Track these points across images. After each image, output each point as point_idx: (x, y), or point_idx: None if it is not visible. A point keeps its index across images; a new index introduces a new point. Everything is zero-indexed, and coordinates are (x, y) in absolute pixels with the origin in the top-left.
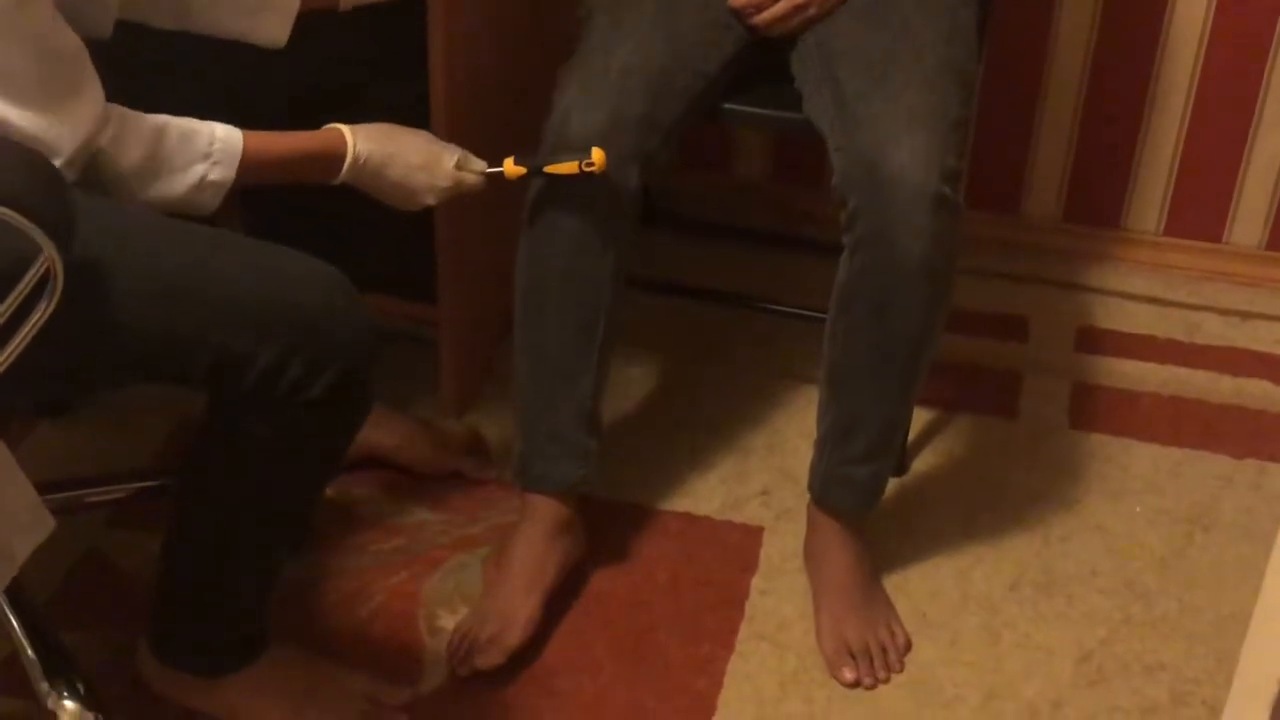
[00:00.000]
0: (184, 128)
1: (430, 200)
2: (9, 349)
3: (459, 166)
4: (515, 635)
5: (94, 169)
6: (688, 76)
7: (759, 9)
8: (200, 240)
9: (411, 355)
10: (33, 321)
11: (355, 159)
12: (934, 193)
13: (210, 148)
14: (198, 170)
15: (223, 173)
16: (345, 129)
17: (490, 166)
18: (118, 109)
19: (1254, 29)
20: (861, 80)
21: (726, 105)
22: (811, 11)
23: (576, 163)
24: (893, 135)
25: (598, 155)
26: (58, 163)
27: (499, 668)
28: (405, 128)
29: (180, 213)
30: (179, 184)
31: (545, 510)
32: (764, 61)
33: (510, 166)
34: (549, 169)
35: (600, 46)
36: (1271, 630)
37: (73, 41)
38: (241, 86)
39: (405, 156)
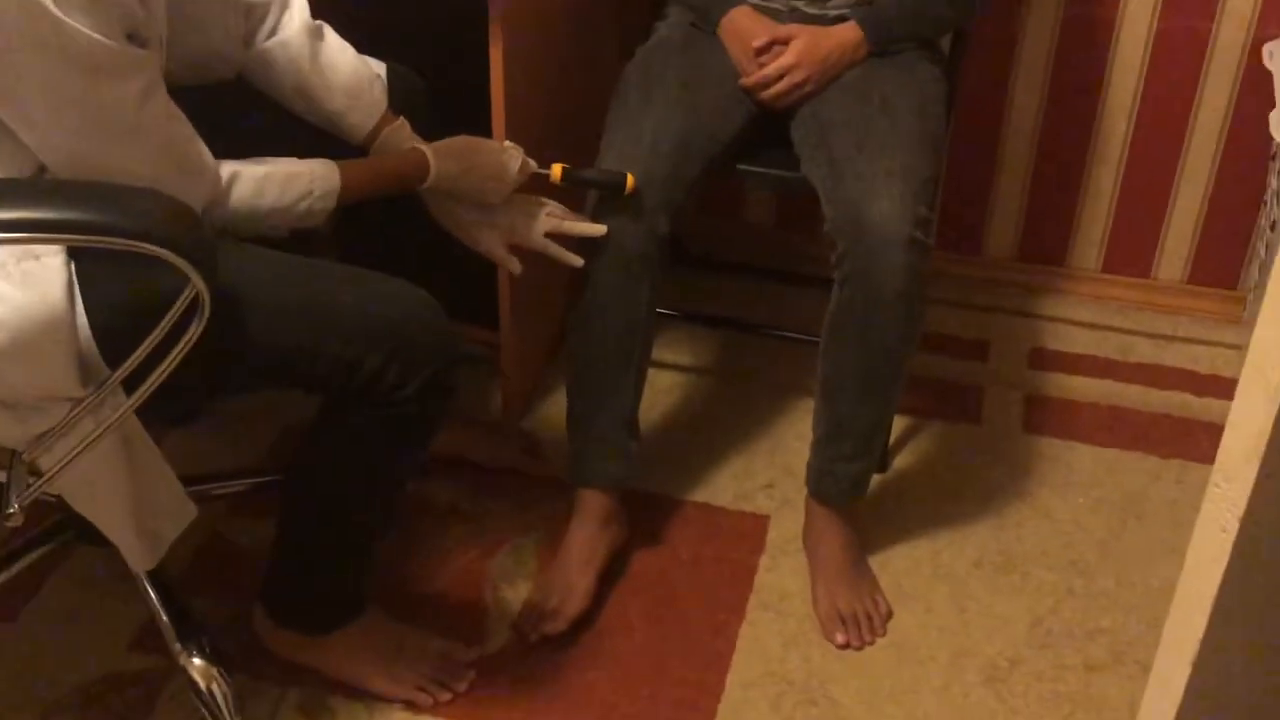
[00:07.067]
0: (287, 171)
1: (495, 200)
2: (165, 364)
3: (520, 171)
4: (575, 606)
5: (213, 215)
6: (706, 142)
7: (765, 87)
8: (315, 270)
9: (477, 372)
10: (185, 340)
11: (437, 175)
12: (908, 237)
13: (311, 185)
14: (302, 206)
15: (324, 203)
16: (427, 149)
17: (539, 166)
18: (228, 168)
19: (1175, 105)
20: (849, 145)
21: (738, 166)
22: (808, 88)
23: (612, 183)
24: (874, 190)
25: (630, 179)
26: None
27: (562, 634)
28: (478, 140)
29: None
30: (289, 217)
31: (595, 503)
32: (768, 129)
33: (556, 173)
34: (588, 177)
35: (634, 117)
36: (1192, 600)
37: (185, 128)
38: None
39: (480, 169)
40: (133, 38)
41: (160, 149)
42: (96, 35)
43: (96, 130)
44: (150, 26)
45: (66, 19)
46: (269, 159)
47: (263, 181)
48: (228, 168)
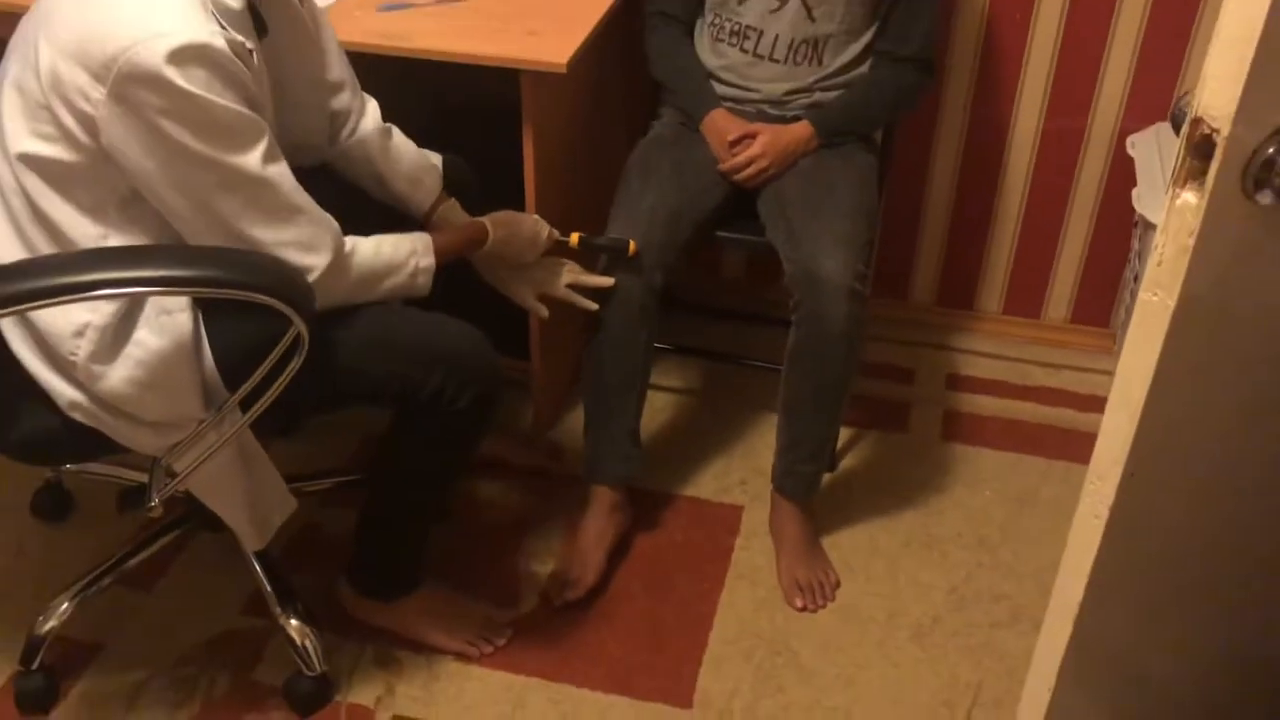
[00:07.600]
0: (394, 236)
1: (529, 260)
2: (273, 389)
3: (547, 238)
4: (590, 577)
5: (336, 283)
6: (693, 215)
7: (737, 172)
8: (389, 314)
9: (512, 394)
10: (289, 370)
11: (494, 240)
12: (850, 288)
13: (414, 244)
14: (411, 263)
15: (428, 260)
16: (485, 220)
17: (561, 234)
18: (347, 239)
19: (1059, 183)
20: (803, 218)
21: (718, 233)
22: (771, 172)
23: (618, 247)
24: (823, 252)
25: (632, 245)
26: (312, 277)
27: (580, 600)
28: (517, 213)
29: (406, 298)
30: (402, 274)
31: (605, 496)
32: (740, 205)
33: (574, 240)
34: (600, 242)
35: (636, 194)
36: (1073, 573)
37: (304, 198)
38: None
39: (521, 236)
40: (250, 106)
41: (286, 199)
42: (221, 101)
43: (229, 190)
44: (260, 101)
45: (194, 90)
46: (372, 236)
47: (377, 243)
48: (346, 238)
